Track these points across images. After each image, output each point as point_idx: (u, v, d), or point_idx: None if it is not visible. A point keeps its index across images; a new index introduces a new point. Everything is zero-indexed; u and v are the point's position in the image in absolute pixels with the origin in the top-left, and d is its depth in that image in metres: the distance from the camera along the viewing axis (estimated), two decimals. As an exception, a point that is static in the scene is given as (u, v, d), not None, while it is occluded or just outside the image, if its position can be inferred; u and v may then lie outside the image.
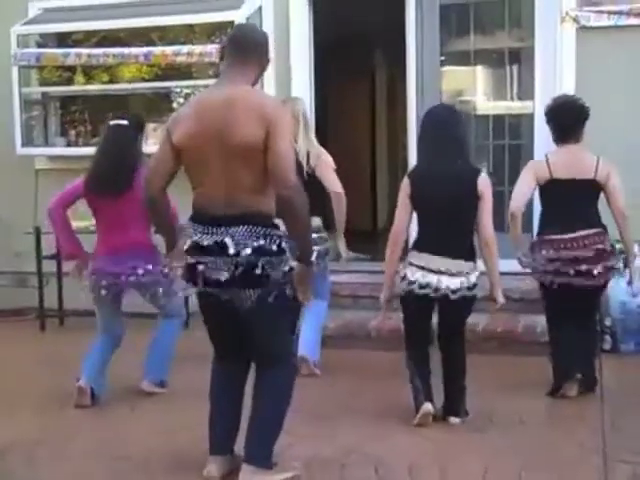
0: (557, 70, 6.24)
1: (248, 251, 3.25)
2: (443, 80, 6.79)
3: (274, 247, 3.29)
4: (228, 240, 3.26)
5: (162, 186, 3.44)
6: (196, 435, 3.72)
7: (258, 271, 3.26)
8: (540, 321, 5.35)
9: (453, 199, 4.10)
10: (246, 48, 3.43)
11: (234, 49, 3.44)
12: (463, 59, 6.81)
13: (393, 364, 4.59)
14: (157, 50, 6.95)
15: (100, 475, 3.70)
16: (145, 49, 7.00)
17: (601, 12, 6.11)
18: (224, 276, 3.27)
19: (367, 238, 6.22)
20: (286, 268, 3.31)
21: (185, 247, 3.36)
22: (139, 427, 4.29)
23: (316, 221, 4.70)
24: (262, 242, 3.28)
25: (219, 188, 3.30)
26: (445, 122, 4.21)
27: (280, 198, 3.24)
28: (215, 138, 3.26)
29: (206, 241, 3.30)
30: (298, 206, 3.22)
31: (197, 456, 3.62)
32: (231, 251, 3.25)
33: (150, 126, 7.47)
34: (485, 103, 6.94)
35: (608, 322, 4.81)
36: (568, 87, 6.13)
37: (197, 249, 3.33)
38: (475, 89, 7.00)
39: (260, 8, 6.71)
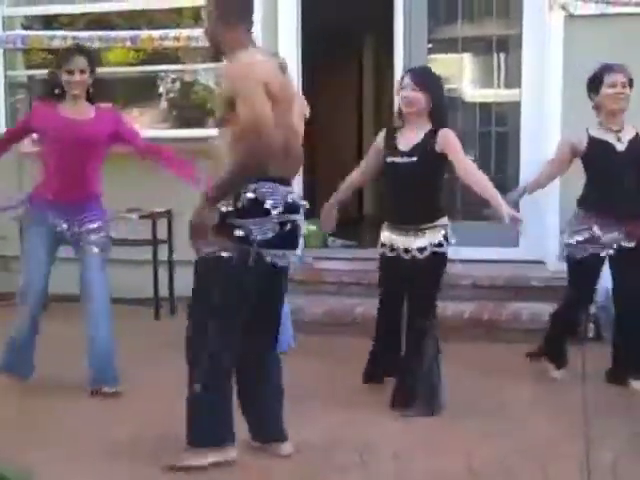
0: (544, 58, 6.25)
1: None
2: (430, 67, 6.76)
3: None
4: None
5: None
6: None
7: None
8: (526, 308, 5.39)
9: (411, 165, 4.13)
10: None
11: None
12: (451, 46, 6.81)
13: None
14: (144, 34, 6.92)
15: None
16: (132, 32, 6.96)
17: (589, 0, 6.11)
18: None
19: (353, 225, 6.23)
20: None
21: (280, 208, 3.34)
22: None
23: None
24: None
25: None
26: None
27: None
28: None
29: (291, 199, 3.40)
30: None
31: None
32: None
33: (135, 111, 7.48)
34: (472, 91, 6.94)
35: (592, 310, 4.82)
36: (556, 75, 6.15)
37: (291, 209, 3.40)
38: (462, 76, 6.99)
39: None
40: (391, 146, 4.22)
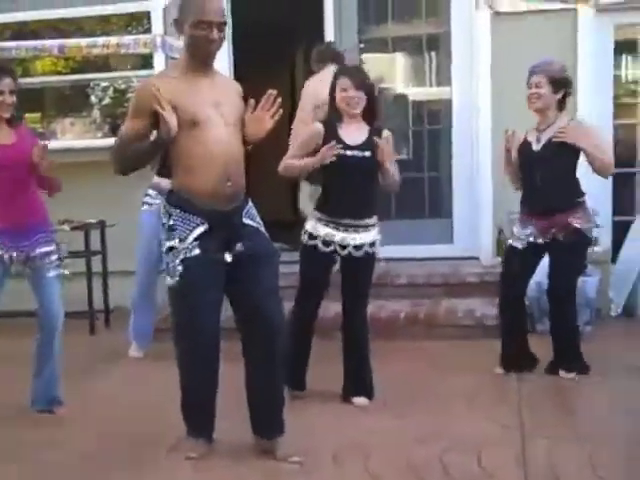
0: (473, 56, 6.32)
1: None
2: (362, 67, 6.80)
3: None
4: None
5: None
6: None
7: None
8: (462, 304, 5.43)
9: (363, 160, 4.12)
10: None
11: None
12: (382, 46, 6.84)
13: (321, 351, 4.57)
14: (71, 42, 6.81)
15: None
16: (59, 41, 6.84)
17: (514, -3, 6.20)
18: None
19: (288, 228, 6.22)
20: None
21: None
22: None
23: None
24: None
25: None
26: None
27: None
28: None
29: None
30: None
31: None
32: None
33: (67, 120, 7.37)
34: (404, 89, 6.97)
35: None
36: (484, 72, 6.23)
37: None
38: (394, 75, 7.04)
39: (176, -2, 6.61)
40: (334, 138, 4.10)
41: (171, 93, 3.30)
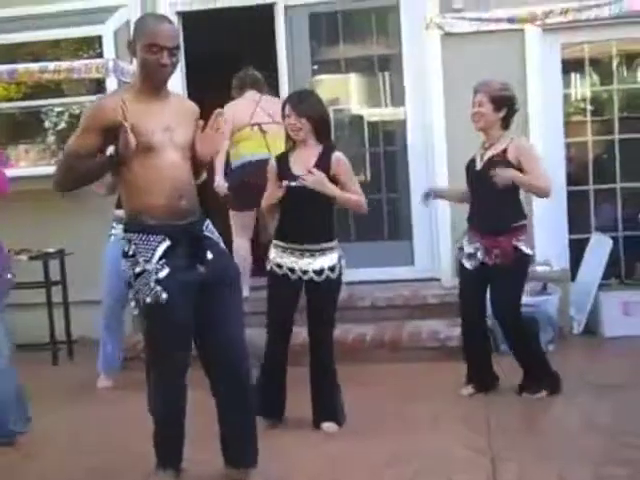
0: (425, 76, 6.40)
1: None
2: (316, 89, 6.84)
3: None
4: None
5: None
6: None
7: None
8: (425, 325, 5.47)
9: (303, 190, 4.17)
10: None
11: None
12: (335, 67, 6.90)
13: (292, 377, 4.55)
14: (21, 67, 6.73)
15: None
16: (8, 66, 6.76)
17: (463, 18, 6.31)
18: None
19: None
20: None
21: None
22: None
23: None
24: None
25: None
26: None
27: None
28: None
29: None
30: None
31: None
32: None
33: (21, 147, 7.29)
34: (359, 110, 7.02)
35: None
36: (436, 92, 6.32)
37: None
38: (348, 96, 7.09)
39: (128, 22, 6.58)
40: (285, 170, 4.26)
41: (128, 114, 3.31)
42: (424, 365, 5.08)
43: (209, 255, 3.40)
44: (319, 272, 4.20)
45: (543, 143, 6.13)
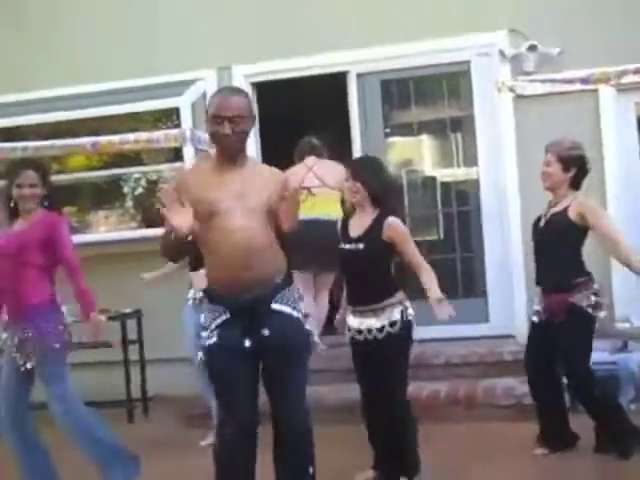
0: (498, 136, 6.43)
1: None
2: (389, 152, 6.94)
3: None
4: None
5: None
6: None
7: None
8: (500, 383, 5.34)
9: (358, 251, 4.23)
10: None
11: None
12: (407, 130, 6.98)
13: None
14: (103, 139, 7.00)
15: None
16: (91, 139, 7.03)
17: (535, 81, 6.34)
18: None
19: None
20: None
21: None
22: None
23: None
24: None
25: None
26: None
27: None
28: None
29: None
30: None
31: None
32: None
33: (101, 213, 7.52)
34: (431, 171, 7.06)
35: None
36: (510, 152, 6.34)
37: None
38: (421, 158, 7.15)
39: (204, 94, 6.81)
40: (344, 233, 4.36)
41: (197, 185, 3.36)
42: (499, 423, 4.93)
43: (265, 332, 3.34)
44: (370, 331, 4.19)
45: (620, 204, 6.08)
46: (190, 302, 5.23)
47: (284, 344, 3.36)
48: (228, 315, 3.35)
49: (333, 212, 5.71)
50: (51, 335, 4.16)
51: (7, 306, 4.27)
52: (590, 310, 4.45)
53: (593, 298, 4.45)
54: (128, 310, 6.39)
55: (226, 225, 3.30)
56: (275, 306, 3.38)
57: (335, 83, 6.84)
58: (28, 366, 4.16)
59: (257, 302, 3.35)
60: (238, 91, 3.60)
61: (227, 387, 3.38)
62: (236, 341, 3.32)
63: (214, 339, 3.35)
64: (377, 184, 4.28)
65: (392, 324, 4.16)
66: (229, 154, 3.40)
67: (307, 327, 3.47)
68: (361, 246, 4.22)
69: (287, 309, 3.41)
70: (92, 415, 4.27)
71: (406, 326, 4.17)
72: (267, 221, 3.37)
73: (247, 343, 3.32)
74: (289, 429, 3.40)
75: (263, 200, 3.35)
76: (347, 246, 4.28)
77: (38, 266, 4.21)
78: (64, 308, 4.39)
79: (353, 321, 4.27)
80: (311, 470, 3.41)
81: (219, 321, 3.36)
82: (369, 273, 4.22)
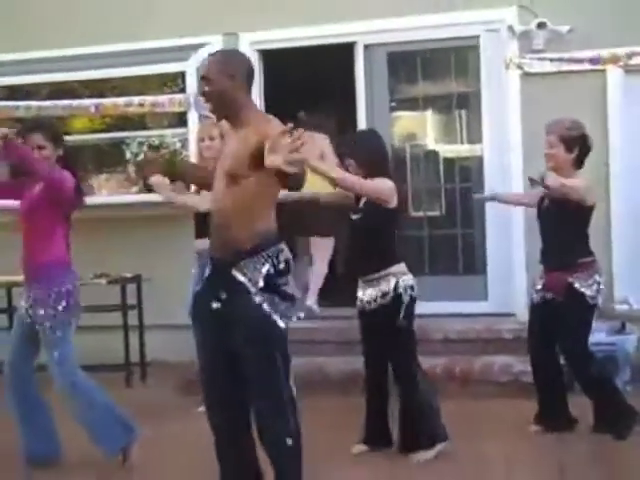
0: (503, 114, 6.40)
1: None
2: (393, 125, 6.91)
3: None
4: None
5: None
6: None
7: None
8: (498, 360, 5.36)
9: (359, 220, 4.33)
10: None
11: None
12: (413, 104, 6.95)
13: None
14: (107, 101, 6.98)
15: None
16: (95, 100, 7.01)
17: (543, 59, 6.30)
18: None
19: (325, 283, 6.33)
20: None
21: None
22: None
23: None
24: None
25: None
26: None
27: None
28: None
29: None
30: None
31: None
32: None
33: (102, 176, 7.51)
34: (435, 146, 7.03)
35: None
36: (515, 130, 6.31)
37: None
38: (425, 133, 7.11)
39: (210, 59, 6.74)
40: (356, 205, 4.40)
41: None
42: (496, 401, 4.95)
43: (223, 295, 3.30)
44: (370, 302, 4.27)
45: (625, 183, 6.08)
46: (195, 270, 5.22)
47: (232, 313, 3.27)
48: (209, 271, 3.43)
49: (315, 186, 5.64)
50: (56, 296, 4.16)
51: (22, 265, 4.28)
52: (590, 301, 4.48)
53: (595, 287, 4.48)
54: (128, 274, 6.38)
55: (213, 188, 3.41)
56: (235, 273, 3.27)
57: (343, 54, 6.78)
58: (36, 327, 4.18)
59: (217, 265, 3.37)
60: (221, 53, 3.63)
61: (198, 339, 3.46)
62: (208, 298, 3.36)
63: (197, 288, 3.55)
64: (366, 157, 4.32)
65: (384, 295, 4.21)
66: (213, 114, 3.45)
67: (264, 303, 3.24)
68: (360, 215, 4.31)
69: (243, 279, 3.26)
70: (90, 379, 4.28)
71: (398, 297, 4.19)
72: (242, 185, 3.23)
73: (214, 305, 3.32)
74: (257, 414, 3.34)
75: (235, 164, 3.25)
76: (353, 217, 4.37)
77: (49, 226, 4.20)
78: None
79: (358, 292, 4.35)
80: (290, 442, 3.27)
81: (206, 274, 3.44)
82: (366, 243, 4.31)
